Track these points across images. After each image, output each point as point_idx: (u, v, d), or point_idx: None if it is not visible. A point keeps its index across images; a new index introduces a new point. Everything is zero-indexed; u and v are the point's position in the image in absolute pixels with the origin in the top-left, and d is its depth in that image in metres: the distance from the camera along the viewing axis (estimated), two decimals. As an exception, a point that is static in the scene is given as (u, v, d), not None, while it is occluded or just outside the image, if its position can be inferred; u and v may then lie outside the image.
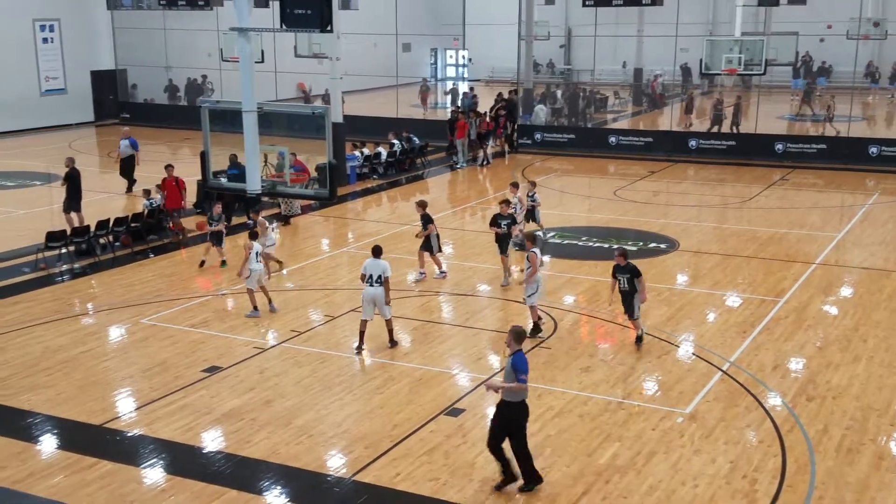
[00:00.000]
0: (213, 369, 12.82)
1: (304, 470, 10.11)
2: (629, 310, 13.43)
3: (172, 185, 20.12)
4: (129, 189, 24.77)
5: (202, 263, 17.75)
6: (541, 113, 34.34)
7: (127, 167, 25.14)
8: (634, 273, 13.28)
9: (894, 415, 11.28)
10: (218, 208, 18.02)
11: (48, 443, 10.85)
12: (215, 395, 12.03)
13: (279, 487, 9.82)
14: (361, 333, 13.31)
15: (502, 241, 16.40)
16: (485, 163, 29.35)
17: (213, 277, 17.20)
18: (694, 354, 13.34)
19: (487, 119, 30.59)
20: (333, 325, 14.60)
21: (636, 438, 10.69)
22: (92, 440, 10.84)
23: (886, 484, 9.67)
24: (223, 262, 17.68)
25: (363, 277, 13.18)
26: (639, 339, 13.49)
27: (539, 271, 13.86)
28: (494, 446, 9.59)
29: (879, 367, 12.70)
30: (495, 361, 13.13)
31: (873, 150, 28.24)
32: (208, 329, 14.42)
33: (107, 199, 23.78)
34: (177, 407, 11.65)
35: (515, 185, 18.96)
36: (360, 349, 13.28)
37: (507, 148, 31.26)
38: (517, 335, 9.52)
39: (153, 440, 10.81)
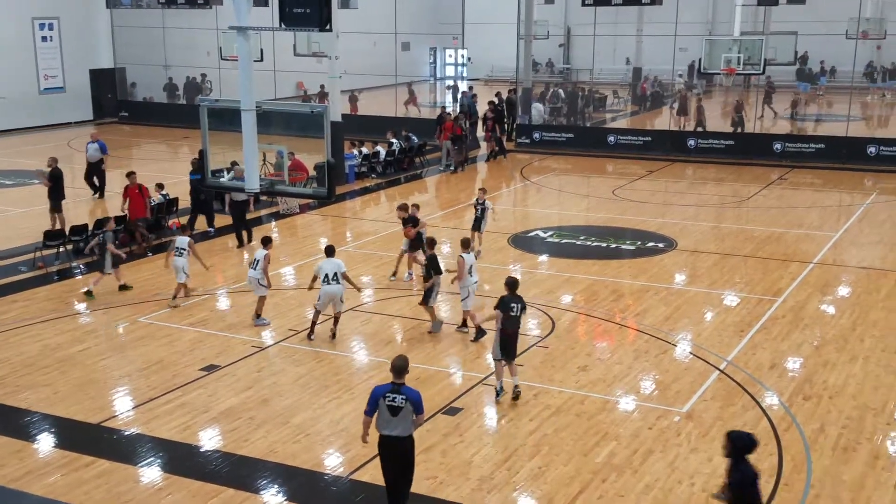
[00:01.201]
0: (210, 368, 12.84)
1: (301, 469, 10.13)
2: (424, 298, 13.86)
3: (136, 194, 18.94)
4: (101, 194, 23.87)
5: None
6: (534, 112, 34.32)
7: (95, 172, 23.95)
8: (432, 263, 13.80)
9: (890, 414, 11.30)
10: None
11: (45, 441, 10.87)
12: (213, 393, 12.04)
13: (276, 486, 9.83)
14: (313, 324, 13.90)
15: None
16: (454, 168, 27.97)
17: (212, 276, 17.20)
18: (691, 353, 13.36)
19: (461, 123, 29.00)
20: (331, 325, 14.60)
21: (633, 437, 10.71)
22: (89, 439, 10.86)
23: (882, 483, 9.69)
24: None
25: (314, 279, 13.75)
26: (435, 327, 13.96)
27: (468, 276, 13.85)
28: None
29: (876, 367, 12.73)
30: (492, 360, 13.12)
31: (872, 149, 28.27)
32: (206, 328, 14.43)
33: (107, 198, 23.78)
34: (174, 405, 11.67)
35: (483, 191, 18.66)
36: (310, 336, 13.85)
37: (498, 150, 30.23)
38: (398, 369, 8.63)
39: (150, 439, 10.82)
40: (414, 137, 29.07)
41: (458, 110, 34.23)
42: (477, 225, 18.10)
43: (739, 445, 7.41)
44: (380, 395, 8.55)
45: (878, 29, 40.32)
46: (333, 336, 13.78)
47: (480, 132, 32.09)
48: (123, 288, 16.18)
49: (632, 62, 46.37)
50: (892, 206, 22.99)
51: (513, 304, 11.47)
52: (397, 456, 8.70)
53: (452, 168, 28.19)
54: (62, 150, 27.70)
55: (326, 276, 13.50)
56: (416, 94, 40.53)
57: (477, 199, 18.25)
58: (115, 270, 16.04)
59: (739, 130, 31.26)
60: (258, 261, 14.37)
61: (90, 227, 18.59)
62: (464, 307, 14.06)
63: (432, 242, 14.34)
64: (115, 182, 25.34)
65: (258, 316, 14.53)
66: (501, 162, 29.90)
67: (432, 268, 13.80)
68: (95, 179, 24.10)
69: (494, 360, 11.76)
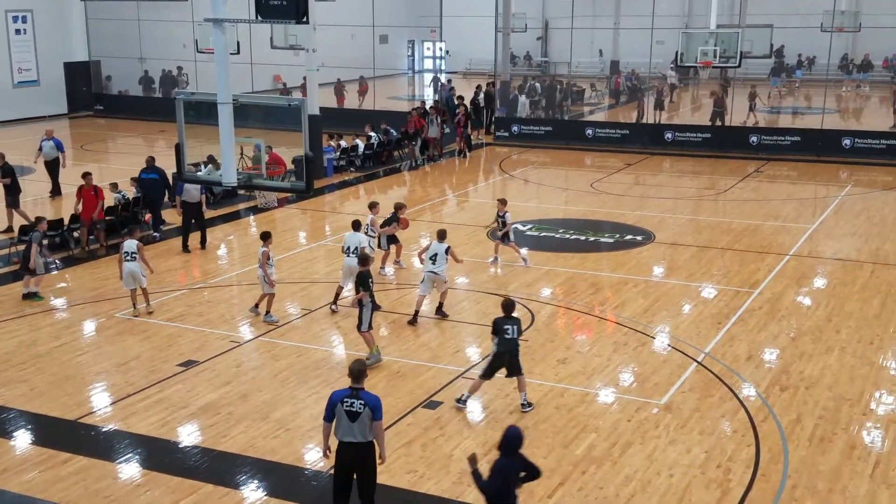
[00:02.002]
0: (189, 363, 12.76)
1: (281, 464, 10.10)
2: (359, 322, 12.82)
3: (90, 195, 18.21)
4: (56, 192, 23.17)
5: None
6: (520, 105, 34.36)
7: (51, 170, 23.25)
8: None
9: (866, 404, 11.43)
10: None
11: (22, 438, 10.76)
12: (191, 389, 11.97)
13: (256, 481, 9.79)
14: (337, 295, 14.60)
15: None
16: (419, 163, 27.77)
17: (190, 271, 17.10)
18: (669, 345, 13.44)
19: (433, 118, 28.45)
20: (311, 319, 14.57)
21: (612, 429, 10.77)
22: (66, 435, 10.77)
23: (858, 472, 9.80)
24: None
25: (343, 249, 14.41)
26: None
27: (428, 262, 14.04)
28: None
29: (852, 358, 12.86)
30: (473, 354, 13.16)
31: (846, 141, 28.53)
32: (184, 323, 14.34)
33: (63, 196, 23.50)
34: (152, 401, 11.59)
35: (503, 202, 17.34)
36: (333, 308, 14.52)
37: (465, 148, 29.52)
38: (355, 374, 8.41)
39: (128, 435, 10.75)
40: (392, 131, 29.01)
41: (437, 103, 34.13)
42: (502, 237, 17.05)
43: (514, 444, 7.63)
44: (337, 401, 8.30)
45: (853, 22, 40.68)
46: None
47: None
48: (29, 297, 15.26)
49: (605, 55, 46.46)
50: (866, 198, 23.23)
51: (507, 327, 11.00)
52: (356, 462, 8.38)
53: (421, 163, 28.08)
54: (36, 144, 27.32)
55: (348, 248, 14.26)
56: (403, 86, 40.32)
57: (497, 213, 17.10)
58: (29, 277, 15.27)
59: (719, 123, 31.42)
60: (260, 258, 14.21)
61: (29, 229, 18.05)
62: (418, 291, 14.32)
63: (364, 259, 12.89)
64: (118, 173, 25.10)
65: (267, 313, 14.30)
66: (465, 161, 29.03)
67: (361, 285, 12.56)
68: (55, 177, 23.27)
69: (479, 377, 11.34)
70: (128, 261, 14.43)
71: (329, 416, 8.38)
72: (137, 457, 10.30)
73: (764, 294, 15.60)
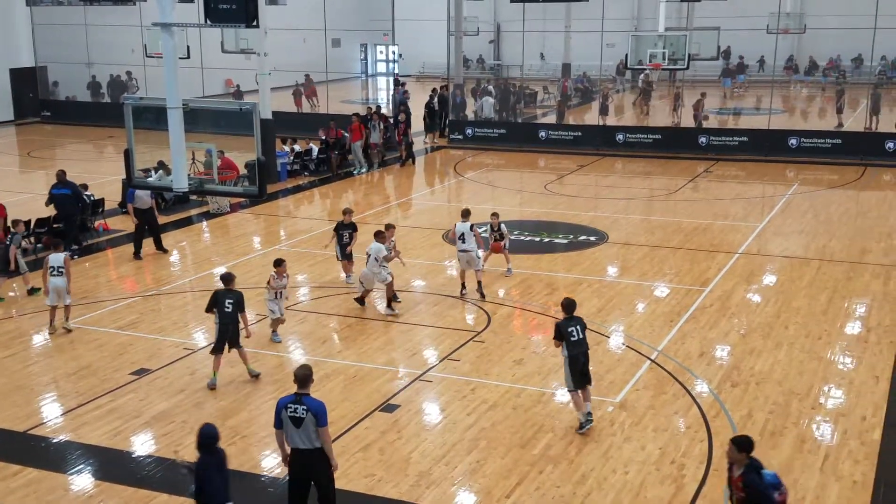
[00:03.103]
0: (141, 371, 12.59)
1: (237, 471, 9.98)
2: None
3: None
4: None
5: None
6: (486, 105, 34.42)
7: None
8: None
9: (815, 399, 11.67)
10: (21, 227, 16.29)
11: (-30, 452, 10.53)
12: (144, 397, 11.81)
13: (212, 489, 9.67)
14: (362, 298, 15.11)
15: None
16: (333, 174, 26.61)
17: (142, 278, 16.86)
18: (623, 344, 13.60)
19: (373, 125, 27.83)
20: (265, 325, 14.45)
21: (568, 429, 10.86)
22: (16, 447, 10.56)
23: (809, 465, 10.00)
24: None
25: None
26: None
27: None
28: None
29: (800, 353, 13.12)
30: (430, 356, 13.18)
31: (793, 141, 29.10)
32: (136, 331, 14.15)
33: (28, 200, 23.08)
34: (104, 411, 11.41)
35: (495, 216, 16.90)
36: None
37: (404, 156, 28.51)
38: (300, 379, 8.38)
39: (80, 446, 10.57)
40: (346, 135, 28.87)
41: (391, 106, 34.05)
42: (502, 248, 16.70)
43: (207, 441, 7.85)
44: (282, 407, 8.25)
45: (798, 24, 41.54)
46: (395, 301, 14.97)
47: (415, 129, 31.98)
48: (33, 292, 15.77)
49: (558, 58, 46.73)
50: (813, 197, 23.72)
51: (570, 329, 10.51)
52: (306, 469, 8.31)
53: (367, 168, 27.51)
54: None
55: (368, 255, 14.58)
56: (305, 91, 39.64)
57: (491, 226, 16.69)
58: (4, 279, 15.53)
59: (678, 123, 31.91)
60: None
61: (32, 225, 18.19)
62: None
63: (227, 278, 12.31)
64: (38, 183, 24.70)
65: (273, 332, 13.79)
66: (408, 167, 28.34)
67: (213, 305, 12.02)
68: None
69: (569, 391, 10.72)
70: (54, 276, 13.87)
71: (277, 422, 8.35)
72: (90, 468, 10.14)
73: (714, 292, 15.85)
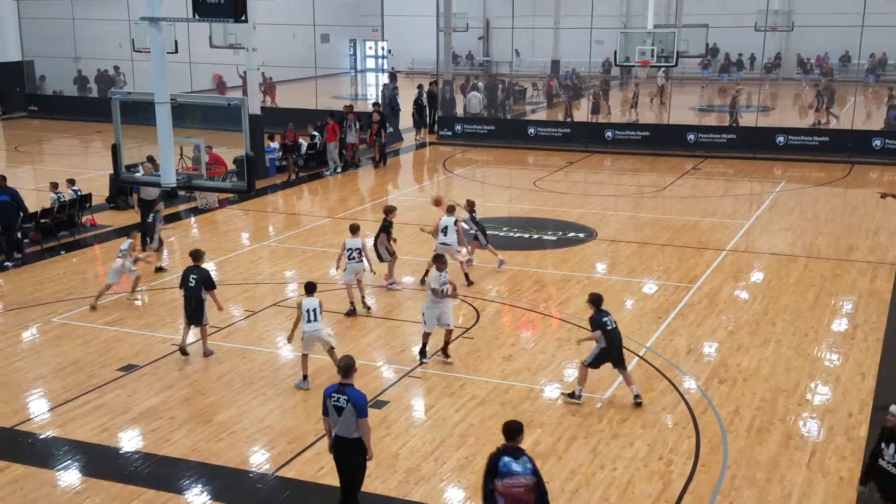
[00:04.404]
0: (129, 367, 12.55)
1: (225, 467, 9.99)
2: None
3: None
4: None
5: None
6: (473, 100, 34.40)
7: None
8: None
9: (802, 395, 11.73)
10: None
11: (-45, 448, 10.47)
12: (132, 394, 11.77)
13: (200, 486, 9.67)
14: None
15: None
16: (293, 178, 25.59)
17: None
18: (612, 341, 13.60)
19: (350, 125, 26.82)
20: (254, 320, 14.43)
21: (557, 425, 10.88)
22: (2, 443, 10.51)
23: (795, 462, 10.05)
24: None
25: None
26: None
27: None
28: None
29: (787, 350, 13.19)
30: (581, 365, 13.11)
31: (780, 139, 29.21)
32: (124, 327, 14.09)
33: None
34: (91, 407, 11.37)
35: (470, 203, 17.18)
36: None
37: (377, 158, 27.56)
38: (343, 369, 8.64)
39: (67, 442, 10.53)
40: (302, 140, 28.38)
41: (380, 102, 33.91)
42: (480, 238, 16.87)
43: None
44: (327, 396, 8.57)
45: (785, 21, 41.68)
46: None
47: (405, 125, 31.96)
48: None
49: (521, 54, 46.57)
50: (800, 194, 23.82)
51: (605, 320, 11.15)
52: (341, 456, 8.61)
53: (340, 170, 26.79)
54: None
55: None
56: (346, 86, 39.74)
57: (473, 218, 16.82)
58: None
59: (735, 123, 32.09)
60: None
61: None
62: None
63: (195, 254, 12.99)
64: (24, 179, 24.58)
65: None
66: (380, 168, 27.56)
67: (181, 280, 12.49)
68: None
69: (584, 364, 11.32)
70: None
71: (324, 409, 8.61)
72: (77, 464, 10.10)
73: (702, 289, 15.91)
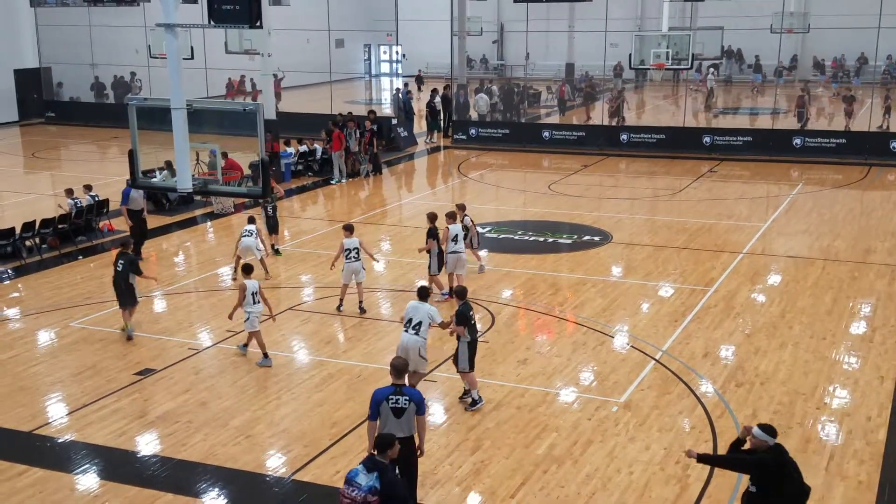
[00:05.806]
0: (146, 372, 12.61)
1: (242, 471, 10.02)
2: None
3: None
4: None
5: None
6: (481, 102, 34.42)
7: None
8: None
9: (820, 399, 11.65)
10: None
11: (-25, 452, 10.55)
12: (149, 398, 11.83)
13: (217, 489, 9.71)
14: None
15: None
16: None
17: (144, 280, 16.86)
18: (628, 344, 13.58)
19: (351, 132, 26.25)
20: (270, 325, 14.46)
21: (573, 429, 10.85)
22: (21, 447, 10.58)
23: (813, 466, 9.98)
24: None
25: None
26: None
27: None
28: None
29: (805, 353, 13.10)
30: (436, 354, 13.13)
31: (797, 141, 29.06)
32: (141, 331, 14.16)
33: (34, 200, 23.17)
34: (109, 411, 11.43)
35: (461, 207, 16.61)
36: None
37: (370, 168, 26.77)
38: (398, 370, 8.71)
39: (85, 445, 10.59)
40: (287, 149, 28.19)
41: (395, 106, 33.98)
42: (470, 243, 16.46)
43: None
44: (382, 399, 8.51)
45: (801, 23, 41.45)
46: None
47: (418, 129, 31.99)
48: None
49: (534, 58, 46.40)
50: (817, 196, 23.68)
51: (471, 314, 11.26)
52: (401, 458, 8.35)
53: (344, 179, 26.20)
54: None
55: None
56: (361, 90, 39.88)
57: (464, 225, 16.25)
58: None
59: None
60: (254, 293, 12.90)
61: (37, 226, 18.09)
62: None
63: (122, 241, 14.16)
64: (41, 185, 24.73)
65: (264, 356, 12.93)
66: (371, 179, 26.64)
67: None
68: None
69: (464, 372, 11.28)
70: None
71: (374, 414, 8.58)
72: (95, 467, 10.15)
73: (719, 292, 15.83)
